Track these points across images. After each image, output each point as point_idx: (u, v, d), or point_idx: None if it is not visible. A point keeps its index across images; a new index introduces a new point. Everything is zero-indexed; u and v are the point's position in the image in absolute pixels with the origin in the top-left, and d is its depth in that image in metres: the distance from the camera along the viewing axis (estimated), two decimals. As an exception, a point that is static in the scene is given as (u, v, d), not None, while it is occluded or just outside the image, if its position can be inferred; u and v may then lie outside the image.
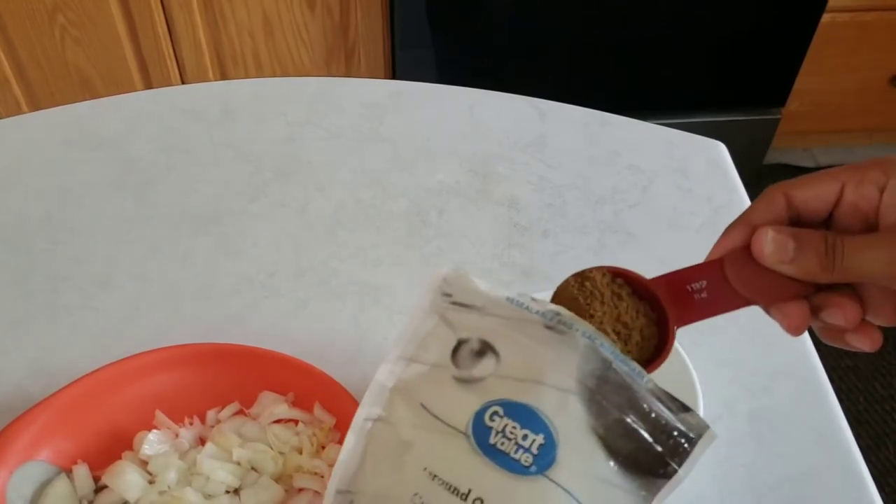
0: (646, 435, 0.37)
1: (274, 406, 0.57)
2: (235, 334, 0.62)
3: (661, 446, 0.37)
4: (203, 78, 1.52)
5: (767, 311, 0.40)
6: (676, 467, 0.37)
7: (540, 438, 0.36)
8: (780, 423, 0.61)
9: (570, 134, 0.82)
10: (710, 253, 0.41)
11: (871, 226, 0.39)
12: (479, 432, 0.36)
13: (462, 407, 0.37)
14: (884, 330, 0.40)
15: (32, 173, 0.77)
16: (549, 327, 0.38)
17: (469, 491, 0.35)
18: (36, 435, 0.53)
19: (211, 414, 0.58)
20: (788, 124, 1.72)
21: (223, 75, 1.54)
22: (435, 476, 0.36)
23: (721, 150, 0.81)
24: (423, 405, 0.38)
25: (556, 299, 0.41)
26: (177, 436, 0.56)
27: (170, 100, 0.85)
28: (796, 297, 0.39)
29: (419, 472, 0.36)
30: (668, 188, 0.77)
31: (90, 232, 0.72)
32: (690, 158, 0.80)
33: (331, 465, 0.54)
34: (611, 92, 1.63)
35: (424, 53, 1.53)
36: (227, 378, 0.58)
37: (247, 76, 1.54)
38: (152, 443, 0.55)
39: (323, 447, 0.56)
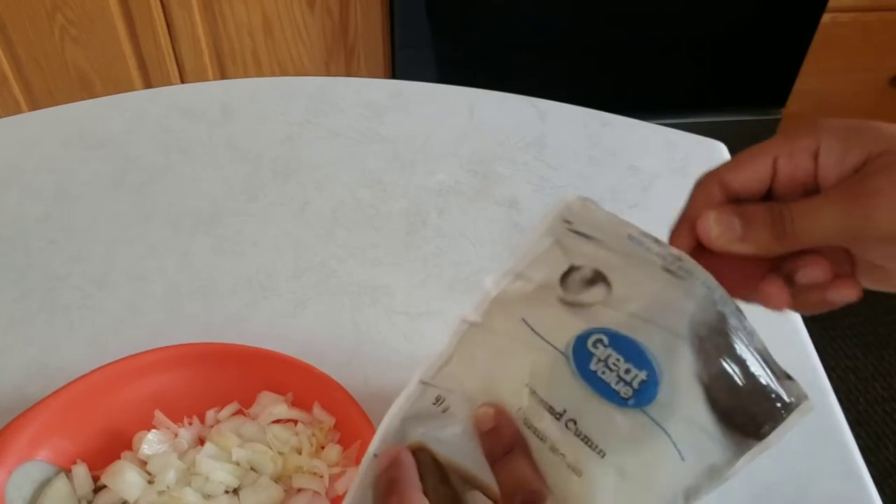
0: (747, 393, 0.36)
1: (273, 406, 0.57)
2: (234, 334, 0.62)
3: (759, 407, 0.36)
4: (202, 77, 1.52)
5: (746, 300, 0.40)
6: (769, 431, 0.37)
7: (643, 374, 0.35)
8: (780, 423, 0.61)
9: (571, 134, 0.82)
10: None
11: (811, 192, 0.38)
12: (580, 355, 0.36)
13: (565, 327, 0.37)
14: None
15: (31, 172, 0.77)
16: (667, 270, 0.37)
17: (564, 411, 0.36)
18: (35, 434, 0.53)
19: (210, 414, 0.58)
20: (789, 124, 1.72)
21: (222, 75, 1.54)
22: (534, 392, 0.36)
23: (721, 150, 0.81)
24: (524, 320, 0.37)
25: None
26: (176, 436, 0.56)
27: (169, 99, 0.85)
28: (765, 275, 0.39)
29: (520, 385, 0.36)
30: (668, 188, 0.77)
31: (89, 231, 0.72)
32: (691, 159, 0.80)
33: (330, 466, 0.54)
34: (611, 92, 1.63)
35: (424, 53, 1.53)
36: (227, 378, 0.58)
37: (246, 76, 1.54)
38: (151, 443, 0.55)
39: (322, 447, 0.56)
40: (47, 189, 0.75)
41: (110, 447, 0.55)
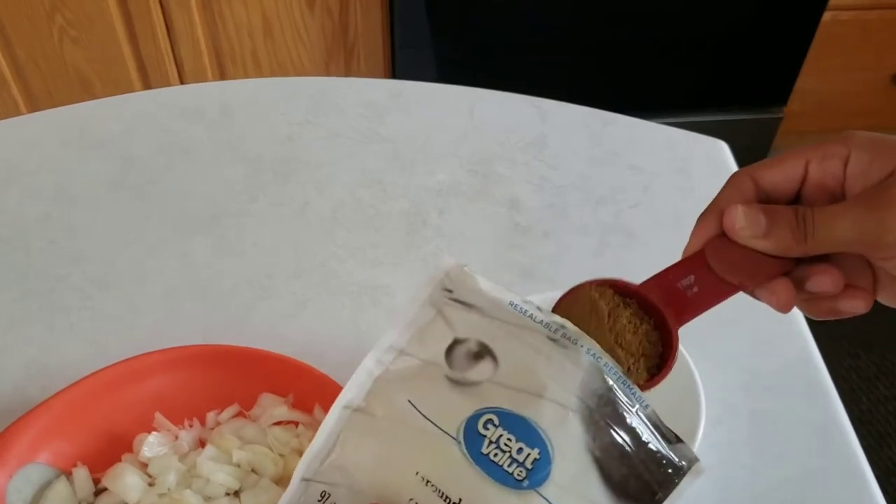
0: (639, 462, 0.36)
1: (274, 408, 0.57)
2: (234, 335, 0.62)
3: (651, 475, 0.36)
4: (202, 78, 1.52)
5: (754, 294, 0.40)
6: (663, 498, 0.36)
7: (535, 453, 0.35)
8: (782, 423, 0.61)
9: (571, 134, 0.82)
10: (687, 247, 0.41)
11: (838, 200, 0.39)
12: (472, 439, 0.35)
13: (454, 410, 0.36)
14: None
15: (31, 173, 0.77)
16: (552, 339, 0.37)
17: (459, 500, 0.35)
18: (35, 437, 0.53)
19: (211, 416, 0.57)
20: (790, 123, 1.72)
21: (222, 75, 1.54)
22: (428, 481, 0.35)
23: (723, 149, 0.81)
24: (410, 402, 0.36)
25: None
26: (176, 438, 0.56)
27: (169, 100, 0.85)
28: (779, 275, 0.39)
29: (411, 475, 0.35)
30: (669, 188, 0.77)
31: (89, 232, 0.72)
32: (692, 158, 0.80)
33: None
34: (611, 91, 1.63)
35: (424, 53, 1.53)
36: (227, 380, 0.58)
37: (246, 76, 1.54)
38: (152, 445, 0.55)
39: (323, 449, 0.55)
40: (47, 190, 0.75)
41: (111, 449, 0.55)
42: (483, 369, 0.36)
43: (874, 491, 0.57)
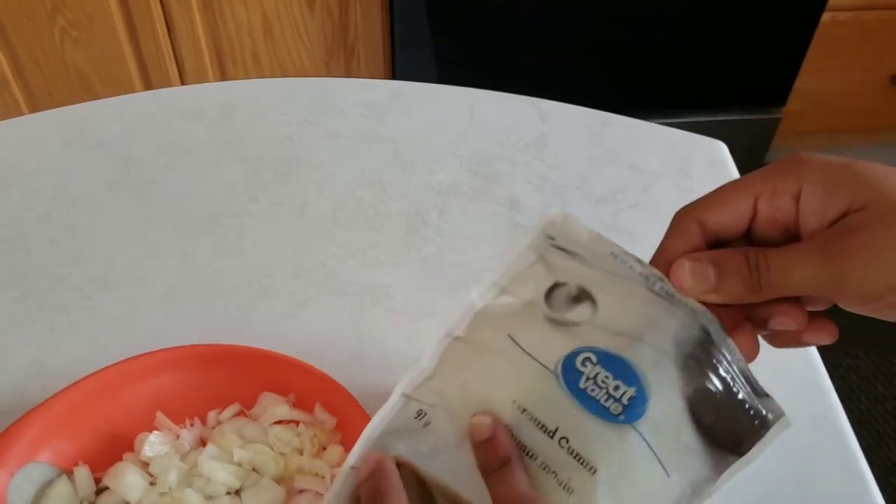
0: (728, 410, 0.37)
1: (275, 407, 0.57)
2: (234, 335, 0.62)
3: (739, 424, 0.37)
4: (202, 78, 1.52)
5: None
6: (748, 447, 0.37)
7: (632, 391, 0.36)
8: (782, 423, 0.61)
9: (571, 134, 0.82)
10: None
11: (791, 235, 0.37)
12: (570, 374, 0.36)
13: (553, 346, 0.37)
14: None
15: (31, 173, 0.77)
16: (650, 290, 0.37)
17: (556, 429, 0.36)
18: (37, 436, 0.53)
19: (212, 415, 0.58)
20: (789, 123, 1.72)
21: (223, 75, 1.54)
22: (524, 410, 0.36)
23: (722, 149, 0.81)
24: (510, 336, 0.37)
25: None
26: (177, 437, 0.56)
27: (169, 100, 0.85)
28: (740, 319, 0.38)
29: (508, 402, 0.36)
30: (669, 188, 0.77)
31: (89, 232, 0.72)
32: (691, 158, 0.80)
33: (332, 467, 0.54)
34: (611, 92, 1.63)
35: (424, 53, 1.53)
36: (228, 379, 0.58)
37: (246, 76, 1.54)
38: (153, 444, 0.55)
39: (324, 448, 0.56)
40: (47, 190, 0.75)
41: (112, 449, 0.55)
42: (582, 312, 0.37)
43: (873, 491, 0.57)
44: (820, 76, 1.68)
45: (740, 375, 0.37)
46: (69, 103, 0.83)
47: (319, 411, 0.57)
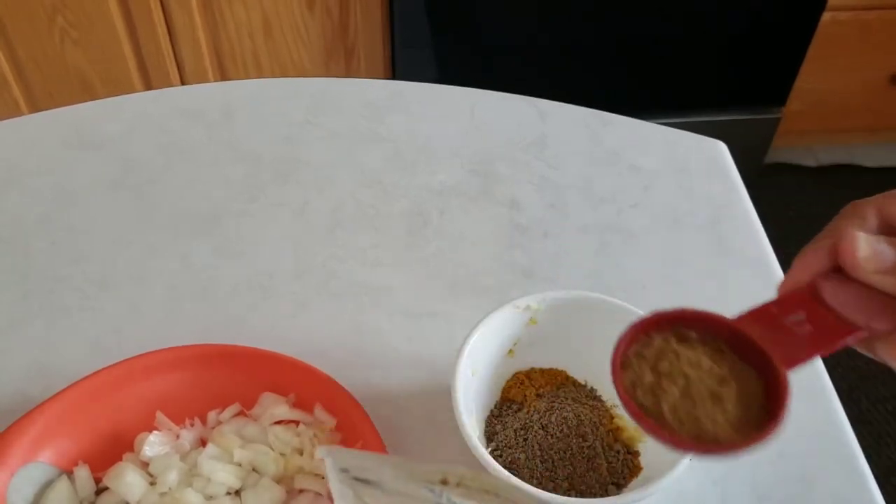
0: None
1: (275, 407, 0.57)
2: (235, 335, 0.62)
3: None
4: (202, 79, 1.52)
5: (872, 349, 0.35)
6: None
7: None
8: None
9: (571, 134, 0.82)
10: (785, 281, 0.35)
11: None
12: None
13: None
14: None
15: (31, 174, 0.77)
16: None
17: None
18: (37, 436, 0.53)
19: (212, 415, 0.58)
20: (789, 123, 1.72)
21: (223, 76, 1.54)
22: None
23: (722, 149, 0.81)
24: None
25: (622, 383, 0.36)
26: (178, 437, 0.56)
27: (169, 100, 0.85)
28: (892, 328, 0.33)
29: None
30: (668, 188, 0.77)
31: (89, 233, 0.72)
32: (691, 158, 0.80)
33: (331, 467, 0.54)
34: (611, 92, 1.63)
35: (424, 53, 1.53)
36: (228, 379, 0.58)
37: (246, 77, 1.54)
38: (153, 444, 0.55)
39: (324, 448, 0.56)
40: (47, 190, 0.75)
41: (112, 449, 0.55)
42: None
43: (873, 490, 0.57)
44: (820, 76, 1.68)
45: None
46: (69, 103, 0.83)
47: (319, 411, 0.57)
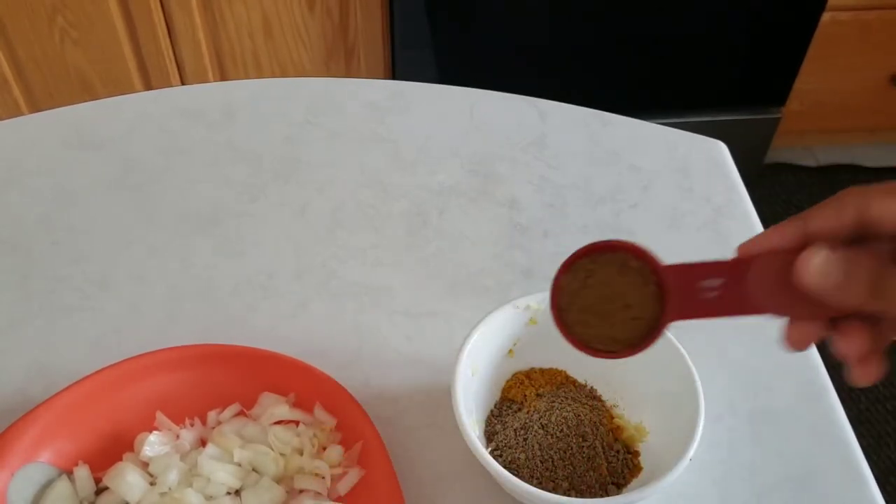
0: None
1: (275, 407, 0.57)
2: (235, 335, 0.62)
3: None
4: (203, 79, 1.52)
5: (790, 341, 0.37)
6: None
7: None
8: (781, 422, 0.61)
9: (571, 134, 0.82)
10: (745, 245, 0.38)
11: None
12: None
13: None
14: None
15: (31, 174, 0.77)
16: None
17: None
18: (37, 436, 0.53)
19: (212, 415, 0.58)
20: (789, 123, 1.72)
21: (223, 76, 1.54)
22: None
23: (721, 149, 0.81)
24: None
25: (564, 265, 0.42)
26: (177, 437, 0.56)
27: (169, 101, 0.85)
28: (823, 317, 0.36)
29: None
30: (668, 188, 0.77)
31: (89, 233, 0.72)
32: (691, 158, 0.80)
33: (332, 467, 0.54)
34: (611, 92, 1.63)
35: (424, 53, 1.53)
36: (228, 379, 0.58)
37: (246, 77, 1.54)
38: (153, 444, 0.55)
39: (324, 448, 0.56)
40: (48, 190, 0.75)
41: (112, 449, 0.55)
42: None
43: (873, 490, 0.57)
44: (820, 76, 1.68)
45: None
46: (69, 103, 0.83)
47: (319, 411, 0.57)
